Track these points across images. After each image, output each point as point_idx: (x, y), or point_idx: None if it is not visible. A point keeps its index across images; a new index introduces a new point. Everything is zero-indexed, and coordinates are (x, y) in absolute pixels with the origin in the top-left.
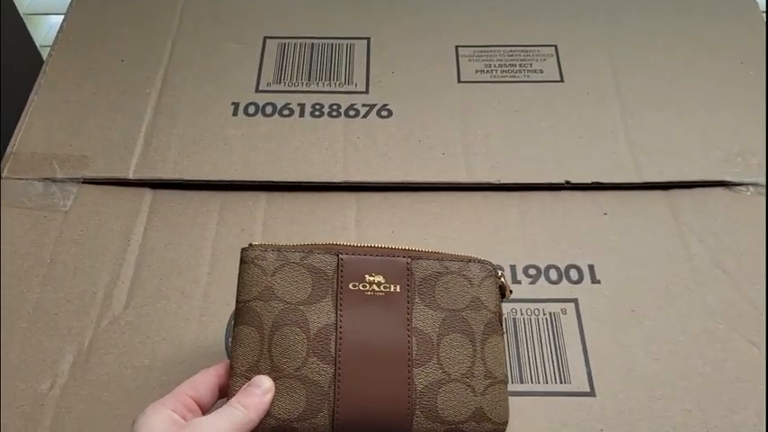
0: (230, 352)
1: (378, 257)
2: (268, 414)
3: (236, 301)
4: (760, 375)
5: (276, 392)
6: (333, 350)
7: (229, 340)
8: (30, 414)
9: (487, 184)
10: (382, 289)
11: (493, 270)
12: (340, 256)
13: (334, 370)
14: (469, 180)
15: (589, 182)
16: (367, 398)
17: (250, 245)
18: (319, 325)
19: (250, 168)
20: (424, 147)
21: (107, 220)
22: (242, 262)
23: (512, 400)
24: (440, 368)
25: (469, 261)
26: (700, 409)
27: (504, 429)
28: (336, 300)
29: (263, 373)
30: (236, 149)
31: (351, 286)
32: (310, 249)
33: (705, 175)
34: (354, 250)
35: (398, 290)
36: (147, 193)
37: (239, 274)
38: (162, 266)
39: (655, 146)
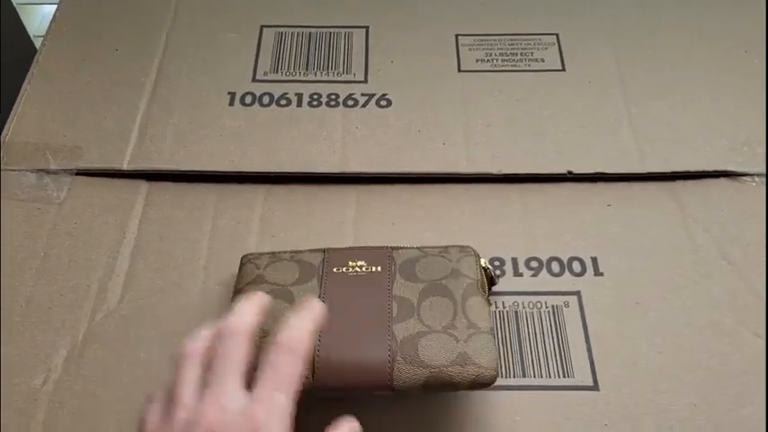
0: None
1: (360, 250)
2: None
3: (232, 293)
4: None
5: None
6: None
7: None
8: (23, 409)
9: (488, 174)
10: (364, 270)
11: (473, 252)
12: (326, 252)
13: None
14: (470, 171)
15: (592, 172)
16: (347, 348)
17: (249, 253)
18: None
19: (247, 159)
20: (423, 137)
21: (102, 213)
22: (240, 265)
23: (513, 394)
24: (420, 323)
25: (449, 246)
26: (706, 403)
27: (494, 377)
28: (321, 281)
29: None
30: (232, 140)
31: (334, 270)
32: (300, 251)
33: (709, 165)
34: (340, 249)
35: (379, 269)
36: (143, 185)
37: (237, 274)
38: (157, 259)
39: (659, 134)
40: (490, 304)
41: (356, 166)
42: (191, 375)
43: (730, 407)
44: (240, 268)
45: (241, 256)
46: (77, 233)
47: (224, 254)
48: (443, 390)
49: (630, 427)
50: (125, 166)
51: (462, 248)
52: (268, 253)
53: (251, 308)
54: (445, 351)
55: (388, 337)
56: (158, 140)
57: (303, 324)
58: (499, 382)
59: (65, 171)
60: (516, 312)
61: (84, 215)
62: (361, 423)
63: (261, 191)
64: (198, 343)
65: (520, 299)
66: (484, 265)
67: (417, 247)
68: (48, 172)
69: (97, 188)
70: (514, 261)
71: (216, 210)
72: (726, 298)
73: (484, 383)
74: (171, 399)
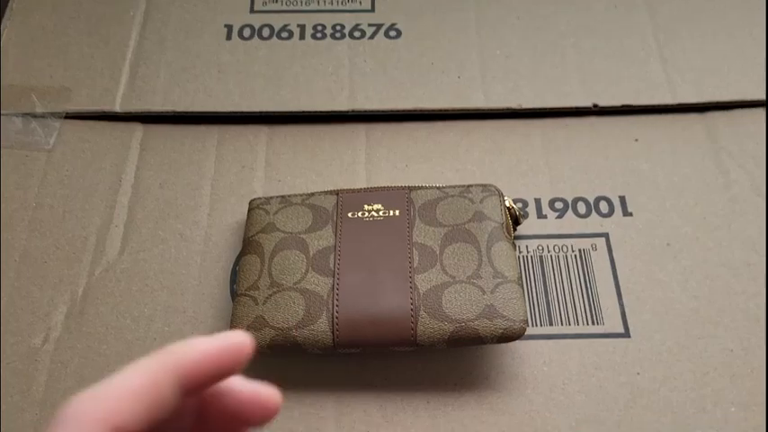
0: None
1: (376, 192)
2: (267, 325)
3: (242, 242)
4: None
5: (275, 305)
6: (332, 265)
7: (234, 287)
8: (23, 370)
9: (508, 109)
10: (381, 214)
11: (496, 191)
12: (339, 194)
13: (333, 280)
14: (488, 106)
15: (618, 105)
16: (368, 303)
17: (257, 197)
18: (319, 247)
19: (248, 98)
20: (437, 70)
21: (95, 159)
22: (249, 210)
23: (540, 344)
24: (444, 273)
25: (470, 186)
26: (743, 348)
27: (523, 329)
28: (336, 227)
29: (261, 290)
30: (231, 77)
31: (350, 215)
32: (312, 193)
33: (744, 95)
34: (354, 191)
35: (398, 213)
36: (137, 128)
37: (246, 220)
38: (158, 208)
39: (690, 63)
40: (516, 248)
41: (365, 102)
42: None
43: None
44: (249, 214)
45: (247, 202)
46: (70, 182)
47: (228, 200)
48: (469, 344)
49: (663, 376)
50: (117, 108)
51: (485, 187)
52: (278, 197)
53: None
54: (471, 304)
55: (410, 290)
56: (151, 79)
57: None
58: (526, 331)
59: (53, 114)
60: (541, 257)
61: (77, 162)
62: (383, 377)
63: (264, 132)
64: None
65: (545, 242)
66: (508, 205)
67: (437, 187)
68: (35, 116)
69: (88, 132)
70: (538, 202)
71: (217, 153)
72: (762, 236)
73: (512, 337)
74: None
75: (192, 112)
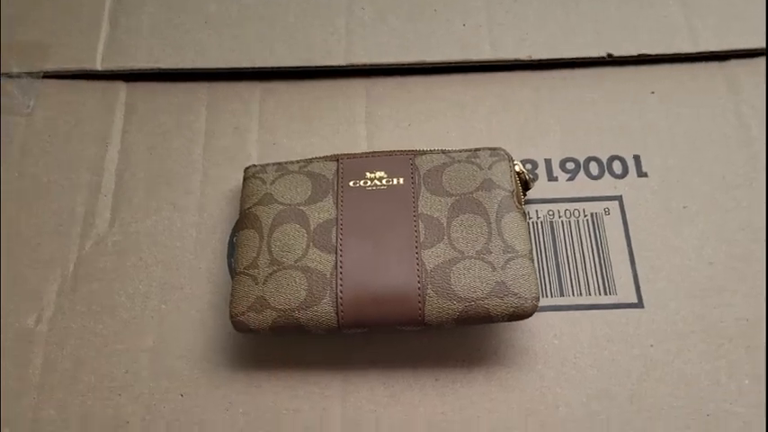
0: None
1: (378, 157)
2: (268, 306)
3: (239, 214)
4: None
5: (276, 285)
6: (334, 241)
7: (232, 260)
8: (18, 353)
9: (516, 61)
10: (384, 183)
11: (505, 155)
12: (340, 161)
13: (336, 258)
14: (495, 57)
15: (635, 54)
16: (373, 281)
17: (252, 165)
18: (320, 220)
19: (239, 53)
20: (440, 18)
21: (78, 123)
22: (244, 179)
23: (551, 316)
24: (451, 248)
25: (478, 149)
26: (758, 317)
27: (535, 305)
28: (337, 198)
29: (261, 268)
30: (219, 30)
31: (351, 184)
32: (310, 160)
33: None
34: (355, 155)
35: (402, 182)
36: (121, 87)
37: (242, 190)
38: (147, 175)
39: (711, 8)
40: (526, 217)
41: (365, 56)
42: None
43: None
44: (244, 184)
45: (242, 167)
46: (53, 149)
47: (222, 166)
48: (479, 323)
49: (677, 347)
50: (98, 66)
51: (494, 151)
52: (274, 164)
53: None
54: (480, 281)
55: (417, 267)
56: (134, 33)
57: None
58: (537, 308)
59: (30, 75)
60: (552, 223)
61: (59, 126)
62: (389, 354)
63: (257, 89)
64: None
65: (555, 207)
66: (518, 170)
67: (443, 151)
68: (11, 76)
69: (70, 93)
70: (548, 163)
71: (208, 114)
72: None
73: (523, 315)
74: None
75: (179, 69)
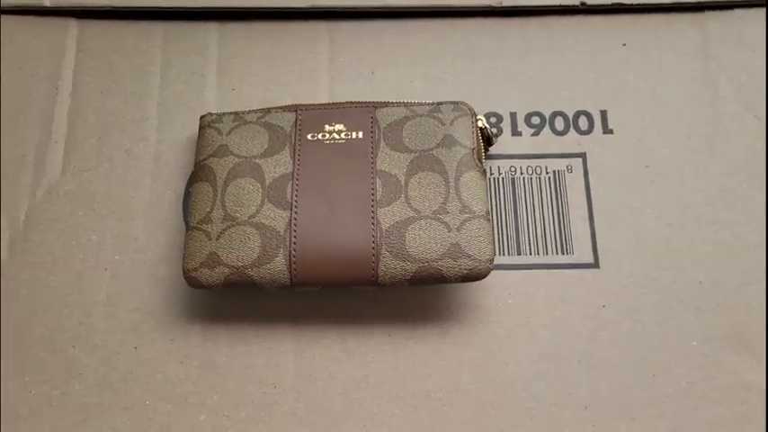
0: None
1: (338, 109)
2: (221, 263)
3: (194, 165)
4: None
5: (229, 241)
6: (289, 196)
7: (188, 212)
8: None
9: (486, 7)
10: (343, 137)
11: (468, 110)
12: (298, 111)
13: (290, 214)
14: (464, 2)
15: (608, 3)
16: (327, 240)
17: (209, 113)
18: (275, 175)
19: None
20: None
21: (27, 62)
22: (200, 128)
23: (506, 274)
24: (408, 206)
25: (441, 104)
26: (711, 280)
27: (489, 267)
28: (294, 151)
29: (215, 223)
30: None
31: (309, 137)
32: (268, 110)
33: None
34: (315, 107)
35: (361, 136)
36: (72, 24)
37: (198, 139)
38: (101, 121)
39: None
40: (485, 176)
41: None
42: None
43: (736, 284)
44: (200, 133)
45: (199, 114)
46: (1, 90)
47: (178, 112)
48: (432, 283)
49: (629, 308)
50: (46, 2)
51: (456, 105)
52: (231, 113)
53: None
54: (435, 242)
55: (372, 226)
56: None
57: None
58: (491, 271)
59: None
60: (513, 180)
61: (7, 66)
62: (343, 310)
63: (214, 30)
64: None
65: (518, 163)
66: (481, 125)
67: (405, 104)
68: None
69: (17, 30)
70: (513, 117)
71: (164, 54)
72: (745, 159)
73: (477, 277)
74: None
75: (132, 7)
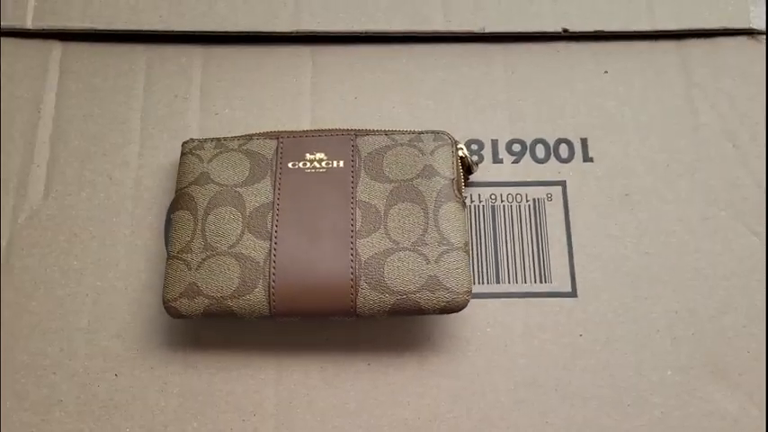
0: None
1: (319, 137)
2: (200, 293)
3: (175, 192)
4: (758, 268)
5: (208, 271)
6: (269, 227)
7: (169, 238)
8: None
9: (469, 33)
10: (324, 165)
11: (449, 139)
12: (280, 139)
13: (270, 245)
14: (448, 29)
15: (591, 30)
16: (306, 271)
17: (191, 139)
18: (256, 204)
19: (179, 14)
20: None
21: (8, 84)
22: (181, 154)
23: (485, 302)
24: (387, 238)
25: (422, 133)
26: (687, 309)
27: (466, 299)
28: (275, 179)
29: (195, 253)
30: None
31: (290, 165)
32: (250, 136)
33: (729, 22)
34: (297, 134)
35: (341, 165)
36: (56, 47)
37: (179, 166)
38: (83, 145)
39: None
40: (465, 207)
41: (311, 22)
42: None
43: (712, 314)
44: (181, 159)
45: (181, 138)
46: None
47: (160, 137)
48: (411, 315)
49: (606, 338)
50: (29, 24)
51: (437, 135)
52: (212, 139)
53: None
54: (413, 274)
55: (351, 257)
56: None
57: None
58: (468, 303)
59: None
60: (493, 207)
61: None
62: (323, 338)
63: (198, 54)
64: None
65: (498, 191)
66: (461, 155)
67: (385, 132)
68: None
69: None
70: (494, 144)
71: (147, 79)
72: (725, 189)
73: (455, 309)
74: None
75: (116, 30)
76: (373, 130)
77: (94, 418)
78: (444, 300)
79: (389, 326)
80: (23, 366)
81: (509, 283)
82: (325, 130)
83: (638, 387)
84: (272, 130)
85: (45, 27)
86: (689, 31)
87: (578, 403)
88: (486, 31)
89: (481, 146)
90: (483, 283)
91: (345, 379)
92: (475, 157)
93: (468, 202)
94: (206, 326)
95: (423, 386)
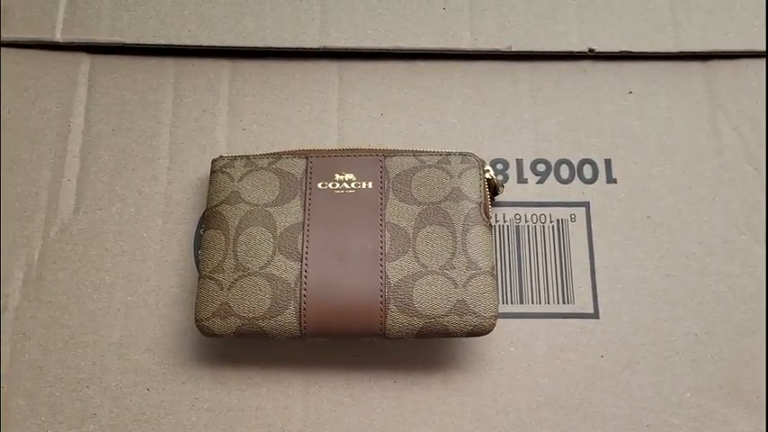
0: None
1: (348, 157)
2: (232, 313)
3: (205, 210)
4: None
5: (240, 292)
6: (300, 248)
7: (199, 252)
8: None
9: (496, 51)
10: (353, 186)
11: (476, 162)
12: (309, 158)
13: (301, 266)
14: (474, 48)
15: (617, 50)
16: (337, 293)
17: (221, 157)
18: (286, 224)
19: (207, 29)
20: (420, 0)
21: (38, 98)
22: (212, 172)
23: (508, 323)
24: (416, 261)
25: (449, 154)
26: (706, 332)
27: (493, 323)
28: (305, 200)
29: (227, 272)
30: (187, 3)
31: (320, 185)
32: (279, 155)
33: (752, 44)
34: (325, 153)
35: (371, 186)
36: (84, 59)
37: (209, 183)
38: (112, 159)
39: (698, 2)
40: (491, 229)
41: (339, 38)
42: None
43: (732, 336)
44: (212, 178)
45: (210, 153)
46: (13, 125)
47: (189, 151)
48: (438, 337)
49: (627, 359)
50: (58, 37)
51: (465, 157)
52: (242, 157)
53: None
54: (442, 298)
55: (380, 280)
56: (94, 1)
57: None
58: (495, 326)
59: None
60: (518, 227)
61: (19, 101)
62: (351, 356)
63: (226, 68)
64: None
65: (522, 211)
66: (488, 177)
67: (413, 153)
68: None
69: (28, 65)
70: (519, 164)
71: (175, 93)
72: (746, 212)
73: (481, 333)
74: None
75: (144, 45)
76: (401, 150)
77: None
78: (472, 324)
79: (415, 344)
80: (57, 380)
81: (533, 303)
82: (354, 149)
83: (657, 408)
84: (301, 149)
85: (74, 40)
86: (714, 51)
87: (599, 423)
88: (513, 49)
89: (506, 165)
90: (507, 303)
91: (372, 396)
92: (500, 177)
93: (493, 221)
94: (236, 343)
95: (447, 404)
